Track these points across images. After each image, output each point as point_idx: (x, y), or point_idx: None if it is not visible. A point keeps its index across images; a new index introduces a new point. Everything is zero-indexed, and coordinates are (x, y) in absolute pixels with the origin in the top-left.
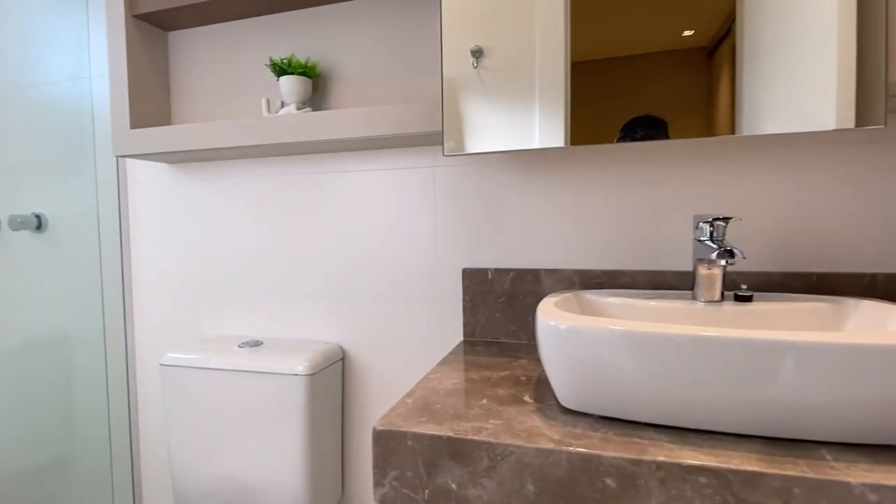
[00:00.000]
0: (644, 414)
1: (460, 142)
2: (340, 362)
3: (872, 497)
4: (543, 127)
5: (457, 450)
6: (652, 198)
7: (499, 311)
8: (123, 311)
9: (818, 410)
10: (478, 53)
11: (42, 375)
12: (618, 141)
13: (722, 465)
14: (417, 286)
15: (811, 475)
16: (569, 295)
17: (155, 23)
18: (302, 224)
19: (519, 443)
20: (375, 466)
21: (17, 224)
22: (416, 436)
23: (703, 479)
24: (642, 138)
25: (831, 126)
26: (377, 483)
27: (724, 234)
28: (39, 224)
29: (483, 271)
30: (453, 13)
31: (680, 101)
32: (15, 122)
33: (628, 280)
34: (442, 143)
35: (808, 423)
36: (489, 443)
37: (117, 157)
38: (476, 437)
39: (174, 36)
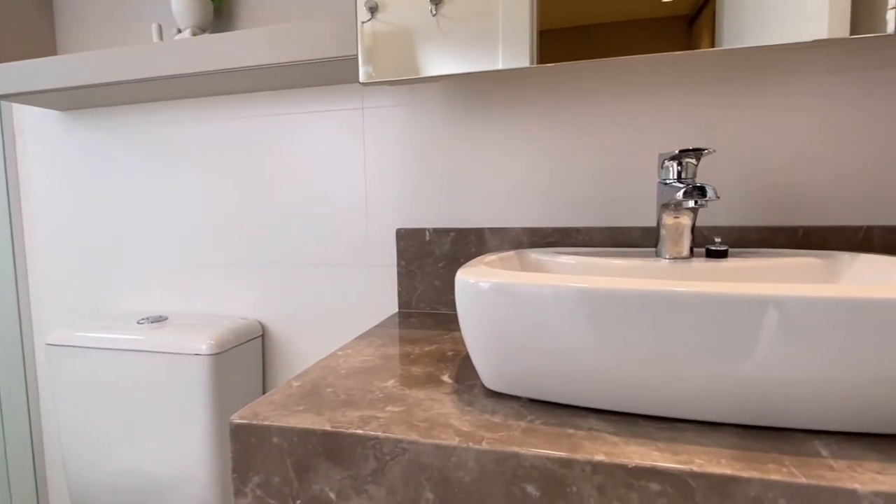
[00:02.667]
0: (585, 396)
1: (386, 67)
2: (259, 339)
3: None
4: (506, 46)
5: (335, 447)
6: (614, 143)
7: (438, 277)
8: (15, 281)
9: (810, 388)
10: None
11: None
12: None
13: (681, 468)
14: (347, 251)
15: (801, 479)
16: (510, 254)
17: None
18: (216, 180)
19: (414, 437)
20: (235, 470)
21: None
22: (283, 431)
23: (655, 486)
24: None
25: (823, 34)
26: (237, 491)
27: (694, 175)
28: None
29: (420, 232)
30: None
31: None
32: None
33: (584, 238)
34: (358, 68)
35: (797, 405)
36: (376, 438)
37: None
38: (359, 431)
39: None
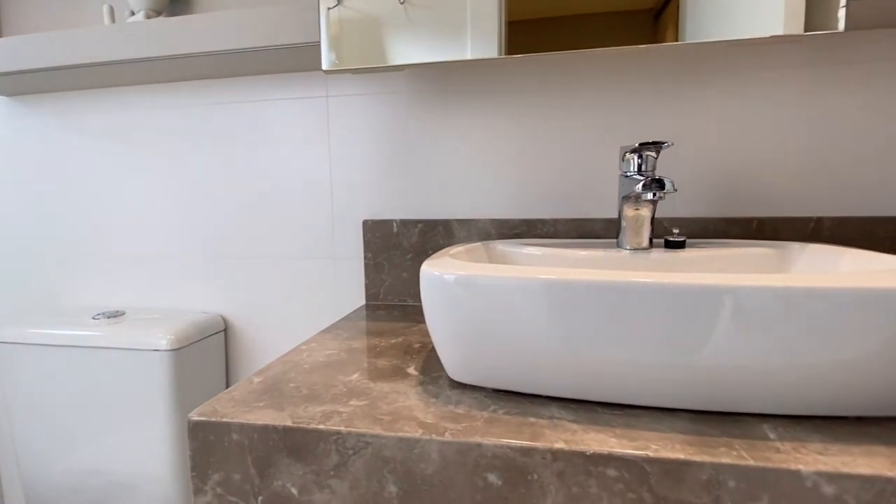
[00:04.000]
0: (547, 385)
1: (351, 54)
2: (222, 334)
3: (828, 490)
4: (474, 36)
5: (296, 443)
6: (578, 135)
7: (405, 269)
8: None
9: (761, 374)
10: None
11: None
12: None
13: (636, 453)
14: (313, 243)
15: (750, 462)
16: (476, 245)
17: None
18: (175, 170)
19: (377, 431)
20: (193, 469)
21: None
22: (243, 427)
23: (612, 472)
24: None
25: (779, 31)
26: (197, 490)
27: (654, 167)
28: None
29: (387, 223)
30: None
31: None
32: None
33: (549, 229)
34: (320, 55)
35: (748, 390)
36: (338, 432)
37: None
38: (320, 426)
39: None
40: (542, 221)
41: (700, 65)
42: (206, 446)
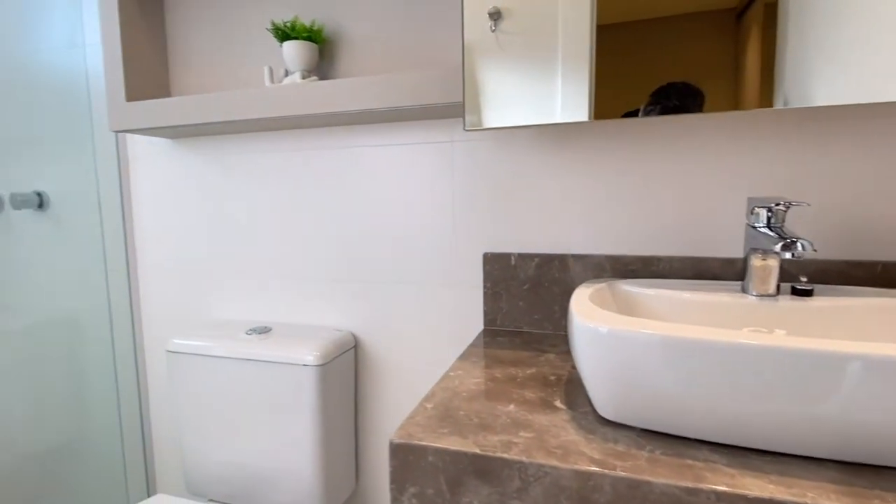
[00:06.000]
0: (695, 429)
1: (480, 115)
2: (353, 350)
3: None
4: (566, 99)
5: (484, 468)
6: (693, 175)
7: (522, 298)
8: (129, 292)
9: None
10: (496, 16)
11: (51, 357)
12: (646, 109)
13: (797, 500)
14: (434, 271)
15: None
16: (602, 285)
17: None
18: (312, 202)
19: (555, 463)
20: (393, 482)
21: (18, 202)
22: (438, 451)
23: None
24: (675, 109)
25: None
26: (395, 500)
27: (783, 221)
28: (41, 202)
29: (506, 256)
30: None
31: (713, 68)
32: (11, 96)
33: (665, 267)
34: (463, 117)
35: (891, 444)
36: (521, 462)
37: (115, 132)
38: (506, 455)
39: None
40: (657, 259)
41: (811, 112)
42: (404, 464)
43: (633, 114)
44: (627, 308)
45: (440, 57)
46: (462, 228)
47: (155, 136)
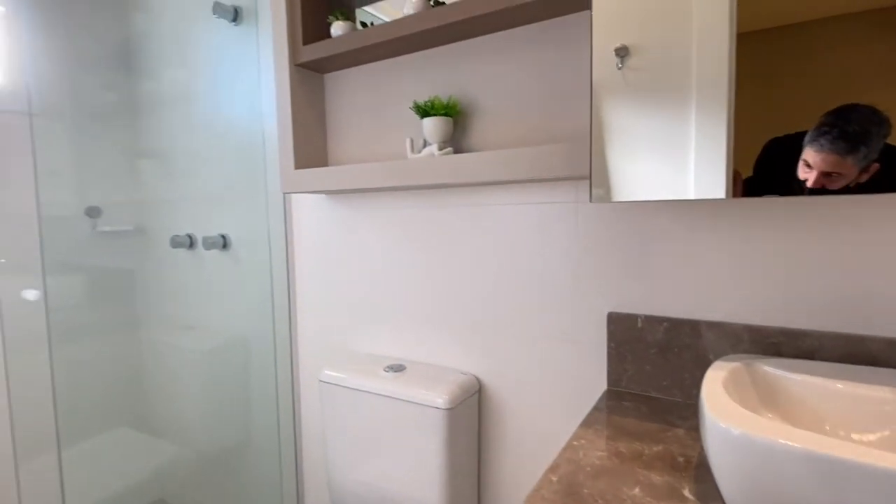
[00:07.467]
0: None
1: (608, 186)
2: (477, 395)
3: None
4: (700, 171)
5: None
6: (851, 240)
7: (649, 362)
8: (289, 323)
9: None
10: (622, 52)
11: (228, 373)
12: (820, 130)
13: None
14: (556, 326)
15: None
16: (738, 365)
17: (313, 68)
18: (443, 253)
19: None
20: None
21: (209, 244)
22: None
23: None
24: (855, 136)
25: None
26: None
27: None
28: (225, 243)
29: (632, 318)
30: (604, 23)
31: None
32: (207, 158)
33: (814, 344)
34: (589, 191)
35: None
36: None
37: (284, 193)
38: None
39: (329, 78)
40: (805, 334)
41: None
42: None
43: (794, 137)
44: (768, 394)
45: (567, 126)
46: (585, 286)
47: (315, 192)
